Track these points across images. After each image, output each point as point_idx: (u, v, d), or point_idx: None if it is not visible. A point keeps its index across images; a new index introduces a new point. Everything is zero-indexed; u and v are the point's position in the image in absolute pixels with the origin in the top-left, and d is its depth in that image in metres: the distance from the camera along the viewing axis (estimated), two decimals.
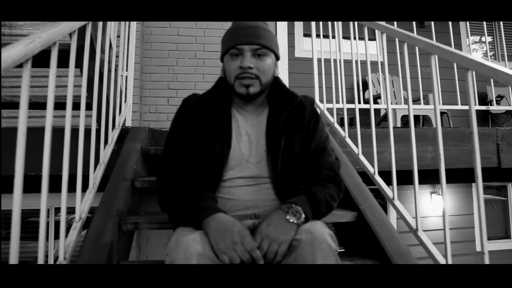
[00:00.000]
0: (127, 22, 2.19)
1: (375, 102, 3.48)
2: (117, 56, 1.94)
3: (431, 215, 3.91)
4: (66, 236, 0.99)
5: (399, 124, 3.30)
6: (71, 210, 1.05)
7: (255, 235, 0.85)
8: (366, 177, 1.49)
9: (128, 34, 2.23)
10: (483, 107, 2.61)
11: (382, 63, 1.74)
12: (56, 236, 3.04)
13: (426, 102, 2.90)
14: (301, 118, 1.06)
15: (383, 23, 1.38)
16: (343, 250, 1.50)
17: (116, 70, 1.75)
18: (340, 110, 1.92)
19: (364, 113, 2.40)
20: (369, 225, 1.25)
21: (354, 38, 1.85)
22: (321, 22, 2.40)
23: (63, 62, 0.99)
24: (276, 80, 1.08)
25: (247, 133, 1.04)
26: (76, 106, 1.01)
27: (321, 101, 2.14)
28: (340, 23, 2.09)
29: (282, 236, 0.83)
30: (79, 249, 1.07)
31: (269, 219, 0.88)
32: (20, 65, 0.68)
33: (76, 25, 0.96)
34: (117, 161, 1.54)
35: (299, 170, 1.03)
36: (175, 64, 3.39)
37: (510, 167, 2.11)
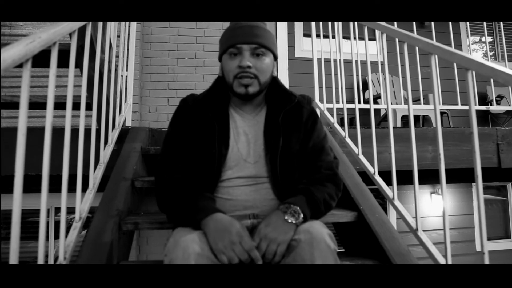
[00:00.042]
0: (127, 22, 2.19)
1: (375, 102, 3.48)
2: (117, 56, 1.94)
3: (431, 215, 3.91)
4: (66, 236, 0.99)
5: (399, 124, 3.30)
6: (71, 210, 1.05)
7: (254, 235, 0.85)
8: (366, 177, 1.49)
9: (128, 34, 2.23)
10: (483, 107, 2.60)
11: (382, 63, 1.74)
12: (56, 236, 3.04)
13: (426, 102, 2.91)
14: (299, 117, 1.06)
15: (383, 23, 1.38)
16: (343, 250, 1.50)
17: (116, 70, 1.75)
18: (340, 110, 1.92)
19: (364, 113, 2.40)
20: (369, 225, 1.25)
21: (354, 38, 1.85)
22: (321, 22, 2.39)
23: (63, 62, 0.99)
24: (274, 80, 1.08)
25: (245, 133, 1.04)
26: (76, 106, 1.01)
27: (321, 101, 2.14)
28: (340, 23, 2.09)
29: (280, 236, 0.83)
30: (79, 249, 1.07)
31: (268, 219, 0.88)
32: (20, 65, 0.68)
33: (76, 25, 0.96)
34: (117, 161, 1.54)
35: (297, 169, 1.03)
36: (175, 64, 3.39)
37: (510, 167, 2.11)
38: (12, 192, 0.66)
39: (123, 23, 2.10)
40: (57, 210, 3.10)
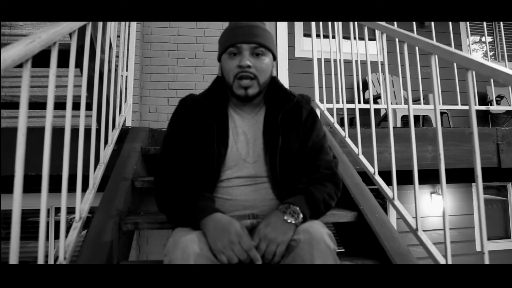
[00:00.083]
0: (127, 22, 2.19)
1: (375, 102, 3.48)
2: (117, 56, 1.94)
3: (431, 215, 3.91)
4: (66, 236, 0.99)
5: (399, 124, 3.30)
6: (71, 210, 1.05)
7: (253, 235, 0.85)
8: (366, 177, 1.49)
9: (128, 34, 2.23)
10: (483, 107, 2.60)
11: (382, 63, 1.74)
12: (56, 236, 3.04)
13: (426, 102, 2.91)
14: (298, 117, 1.06)
15: (383, 23, 1.38)
16: (343, 250, 1.50)
17: (116, 70, 1.75)
18: (340, 110, 1.92)
19: (364, 113, 2.40)
20: (369, 225, 1.25)
21: (354, 38, 1.85)
22: (321, 22, 2.39)
23: (63, 62, 0.99)
24: (274, 80, 1.08)
25: (244, 133, 1.04)
26: (76, 106, 1.01)
27: (321, 101, 2.14)
28: (340, 23, 2.09)
29: (280, 236, 0.83)
30: (79, 249, 1.07)
31: (267, 219, 0.88)
32: (20, 65, 0.68)
33: (76, 25, 0.96)
34: (117, 161, 1.54)
35: (297, 169, 1.03)
36: (175, 64, 3.39)
37: (510, 167, 2.11)
38: (12, 192, 0.66)
39: (123, 23, 2.10)
40: (57, 210, 3.10)
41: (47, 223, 2.02)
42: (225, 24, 1.08)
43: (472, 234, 4.03)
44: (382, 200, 3.20)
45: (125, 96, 2.12)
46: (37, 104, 2.05)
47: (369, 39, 4.00)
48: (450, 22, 2.45)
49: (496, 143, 2.11)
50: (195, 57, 3.42)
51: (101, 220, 1.17)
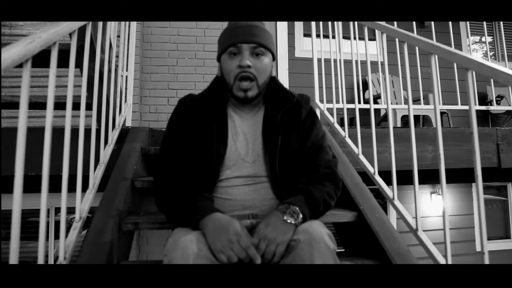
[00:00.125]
0: (127, 22, 2.19)
1: (375, 102, 3.48)
2: (117, 56, 1.94)
3: (431, 215, 3.91)
4: (66, 236, 0.99)
5: (399, 124, 3.30)
6: (71, 210, 1.05)
7: (253, 235, 0.85)
8: (366, 177, 1.49)
9: (128, 34, 2.23)
10: (483, 107, 2.60)
11: (382, 63, 1.74)
12: (56, 236, 3.04)
13: (426, 102, 2.90)
14: (298, 116, 1.06)
15: (383, 23, 1.38)
16: (343, 250, 1.50)
17: (116, 70, 1.75)
18: (340, 110, 1.92)
19: (364, 113, 2.40)
20: (369, 225, 1.25)
21: (354, 38, 1.85)
22: (321, 22, 2.40)
23: (63, 62, 0.99)
24: (273, 79, 1.08)
25: (244, 133, 1.04)
26: (76, 106, 1.01)
27: (321, 101, 2.14)
28: (340, 23, 2.09)
29: (279, 237, 0.83)
30: (79, 249, 1.07)
31: (267, 219, 0.88)
32: (20, 65, 0.68)
33: (76, 25, 0.96)
34: (117, 161, 1.54)
35: (296, 168, 1.02)
36: (175, 64, 3.39)
37: (510, 167, 2.11)
38: (12, 192, 0.66)
39: (123, 23, 2.10)
40: (57, 210, 3.10)
41: (47, 223, 2.02)
42: (225, 24, 1.08)
43: (472, 234, 4.03)
44: (382, 200, 3.20)
45: (125, 96, 2.12)
46: (37, 104, 2.05)
47: (369, 39, 4.00)
48: (450, 22, 2.45)
49: (496, 143, 2.11)
50: (195, 57, 3.42)
51: (101, 220, 1.17)
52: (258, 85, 1.00)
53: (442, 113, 3.37)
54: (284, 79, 3.62)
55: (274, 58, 1.06)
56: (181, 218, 0.91)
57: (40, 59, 0.91)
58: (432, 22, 2.17)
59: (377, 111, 3.49)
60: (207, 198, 0.94)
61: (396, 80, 3.78)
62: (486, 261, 0.86)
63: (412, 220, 1.18)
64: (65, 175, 0.95)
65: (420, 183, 1.21)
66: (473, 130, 0.89)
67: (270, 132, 1.03)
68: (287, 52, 3.77)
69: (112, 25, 1.69)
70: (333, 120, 1.91)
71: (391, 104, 3.30)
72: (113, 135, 1.64)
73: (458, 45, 4.28)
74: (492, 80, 2.39)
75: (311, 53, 2.28)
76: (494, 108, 2.65)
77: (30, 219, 3.13)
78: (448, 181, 1.10)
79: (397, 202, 1.26)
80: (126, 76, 2.25)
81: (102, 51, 1.48)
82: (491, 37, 4.72)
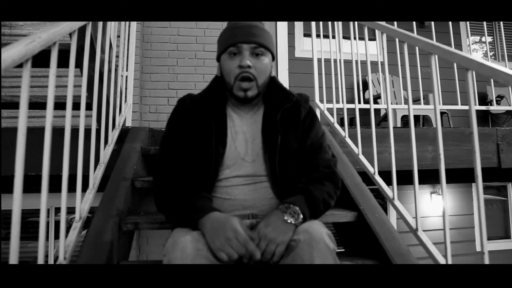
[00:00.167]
0: (127, 22, 2.19)
1: (375, 102, 3.48)
2: (117, 56, 1.94)
3: (431, 215, 3.91)
4: (66, 236, 0.99)
5: (399, 124, 3.30)
6: (71, 210, 1.05)
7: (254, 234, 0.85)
8: (366, 177, 1.49)
9: (128, 34, 2.23)
10: (483, 107, 2.61)
11: (382, 63, 1.74)
12: (56, 236, 3.04)
13: (426, 102, 2.91)
14: (297, 115, 1.06)
15: (383, 23, 1.38)
16: (343, 250, 1.50)
17: (116, 70, 1.75)
18: (340, 110, 1.92)
19: (364, 113, 2.39)
20: (369, 225, 1.25)
21: (354, 38, 1.85)
22: (321, 22, 2.40)
23: (63, 62, 0.99)
24: (273, 79, 1.08)
25: (243, 132, 1.04)
26: (76, 106, 1.01)
27: (321, 101, 2.14)
28: (340, 23, 2.09)
29: (280, 237, 0.83)
30: (79, 249, 1.07)
31: (267, 219, 0.88)
32: (20, 65, 0.68)
33: (76, 25, 0.96)
34: (117, 161, 1.54)
35: (296, 168, 1.02)
36: (175, 64, 3.39)
37: (510, 167, 2.11)
38: (12, 192, 0.66)
39: (123, 23, 2.10)
40: (57, 210, 3.10)
41: (47, 223, 2.02)
42: (225, 24, 1.08)
43: (472, 234, 4.03)
44: (382, 200, 3.20)
45: (125, 96, 2.12)
46: (37, 104, 2.05)
47: (369, 39, 4.00)
48: (450, 22, 2.45)
49: (496, 143, 2.11)
50: (195, 57, 3.42)
51: (101, 220, 1.17)
52: (258, 85, 1.00)
53: (442, 113, 3.37)
54: (284, 79, 3.62)
55: (274, 58, 1.07)
56: (179, 218, 0.91)
57: (40, 59, 0.91)
58: (432, 22, 2.17)
59: (377, 111, 3.49)
60: (206, 197, 0.94)
61: (396, 80, 3.78)
62: (486, 261, 0.86)
63: (412, 220, 1.18)
64: (65, 175, 0.95)
65: (420, 183, 1.21)
66: (473, 130, 0.89)
67: (269, 131, 1.03)
68: (287, 52, 3.77)
69: (112, 25, 1.69)
70: (333, 120, 1.91)
71: (391, 104, 3.30)
72: (113, 135, 1.64)
73: (458, 45, 4.28)
74: (492, 80, 2.39)
75: (311, 53, 2.28)
76: (494, 108, 2.65)
77: (30, 219, 3.13)
78: (448, 181, 1.10)
79: (397, 202, 1.26)
80: (126, 76, 2.25)
81: (102, 51, 1.48)
82: (491, 37, 4.72)
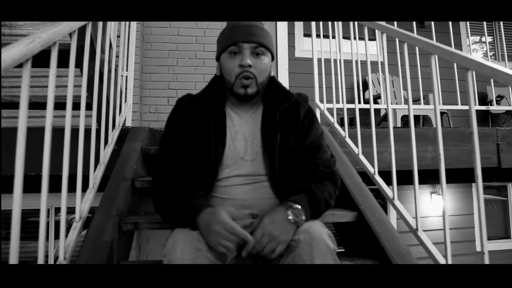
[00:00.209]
0: (127, 22, 2.19)
1: (375, 102, 3.48)
2: (117, 56, 1.94)
3: (431, 215, 3.91)
4: (66, 236, 0.99)
5: (399, 124, 3.30)
6: (71, 210, 1.05)
7: (256, 231, 0.85)
8: (366, 177, 1.49)
9: (128, 34, 2.23)
10: (483, 107, 2.60)
11: (382, 63, 1.74)
12: (56, 236, 3.04)
13: (426, 102, 2.90)
14: (296, 115, 1.06)
15: (383, 23, 1.38)
16: (343, 250, 1.50)
17: (116, 70, 1.75)
18: (340, 110, 1.92)
19: (364, 113, 2.39)
20: (369, 225, 1.25)
21: (354, 38, 1.85)
22: (321, 22, 2.40)
23: (63, 62, 0.99)
24: (272, 79, 1.08)
25: (242, 131, 1.04)
26: (76, 106, 1.01)
27: (321, 101, 2.14)
28: (340, 23, 2.09)
29: (283, 235, 0.83)
30: (79, 249, 1.07)
31: (272, 215, 0.87)
32: (20, 65, 0.68)
33: (76, 25, 0.96)
34: (117, 161, 1.54)
35: (295, 167, 1.02)
36: (175, 64, 3.39)
37: (510, 167, 2.11)
38: (12, 192, 0.66)
39: (123, 23, 2.10)
40: (57, 210, 3.11)
41: (47, 223, 2.02)
42: (225, 24, 1.08)
43: (472, 234, 4.03)
44: (382, 200, 3.20)
45: (125, 96, 2.12)
46: (37, 104, 2.05)
47: (369, 39, 4.00)
48: (450, 22, 2.45)
49: (496, 143, 2.11)
50: (195, 57, 3.42)
51: (101, 220, 1.17)
52: (257, 83, 1.00)
53: (442, 113, 3.37)
54: (284, 79, 3.62)
55: (273, 58, 1.07)
56: (177, 219, 0.91)
57: (40, 59, 0.91)
58: (432, 22, 2.17)
59: (377, 111, 3.49)
60: (201, 196, 0.94)
61: (396, 80, 3.78)
62: (486, 261, 0.86)
63: (412, 220, 1.18)
64: (65, 175, 0.95)
65: (420, 183, 1.21)
66: (473, 130, 0.89)
67: (269, 130, 1.03)
68: (287, 52, 3.77)
69: (112, 25, 1.69)
70: (333, 120, 1.91)
71: (391, 104, 3.30)
72: (113, 135, 1.64)
73: (458, 45, 4.28)
74: (492, 80, 2.38)
75: (311, 53, 2.28)
76: (494, 108, 2.65)
77: (30, 219, 3.13)
78: (448, 181, 1.10)
79: (397, 202, 1.26)
80: (126, 76, 2.25)
81: (102, 51, 1.48)
82: (491, 37, 4.72)
